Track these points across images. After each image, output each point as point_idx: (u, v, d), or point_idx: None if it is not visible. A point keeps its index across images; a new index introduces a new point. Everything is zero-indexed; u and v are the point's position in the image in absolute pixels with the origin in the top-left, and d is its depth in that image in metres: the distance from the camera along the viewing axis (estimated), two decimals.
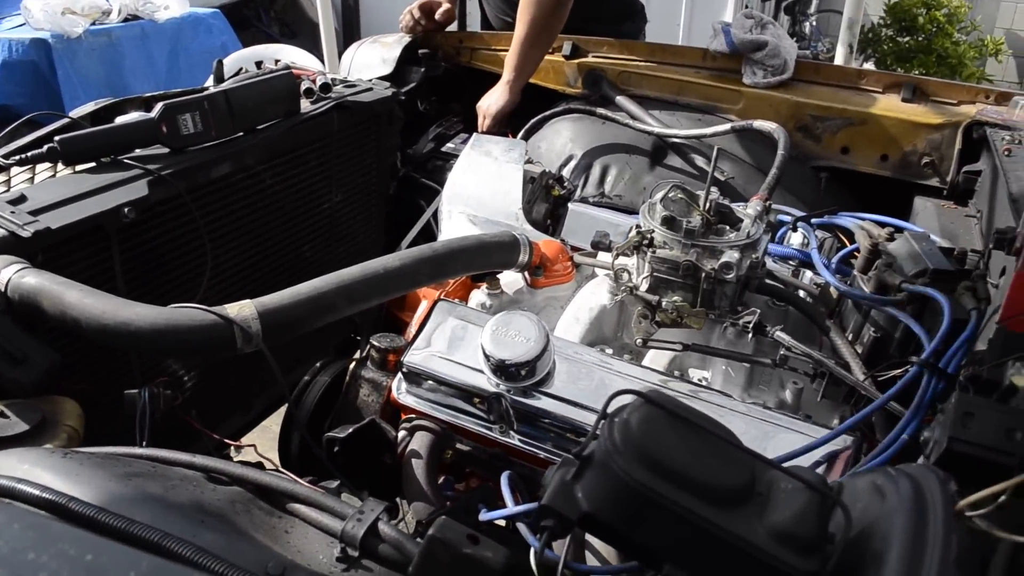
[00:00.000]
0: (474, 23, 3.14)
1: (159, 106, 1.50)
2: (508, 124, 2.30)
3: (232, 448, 1.47)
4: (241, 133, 1.64)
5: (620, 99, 2.24)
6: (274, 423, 1.99)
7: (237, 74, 1.93)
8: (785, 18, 8.33)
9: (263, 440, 1.48)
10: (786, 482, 0.77)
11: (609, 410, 0.78)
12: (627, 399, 0.78)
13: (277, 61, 2.24)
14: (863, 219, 1.51)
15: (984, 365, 1.17)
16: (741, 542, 0.72)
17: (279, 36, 5.95)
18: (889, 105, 2.16)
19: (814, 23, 8.90)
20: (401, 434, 1.31)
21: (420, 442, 1.28)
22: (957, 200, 1.97)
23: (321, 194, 1.89)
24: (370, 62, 2.41)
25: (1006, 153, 1.69)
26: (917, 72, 7.09)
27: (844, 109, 2.15)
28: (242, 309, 1.15)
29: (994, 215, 1.63)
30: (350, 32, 6.25)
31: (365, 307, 1.26)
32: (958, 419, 0.92)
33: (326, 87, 1.87)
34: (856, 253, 1.44)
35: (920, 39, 7.65)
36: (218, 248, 1.61)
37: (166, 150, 1.53)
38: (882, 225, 1.45)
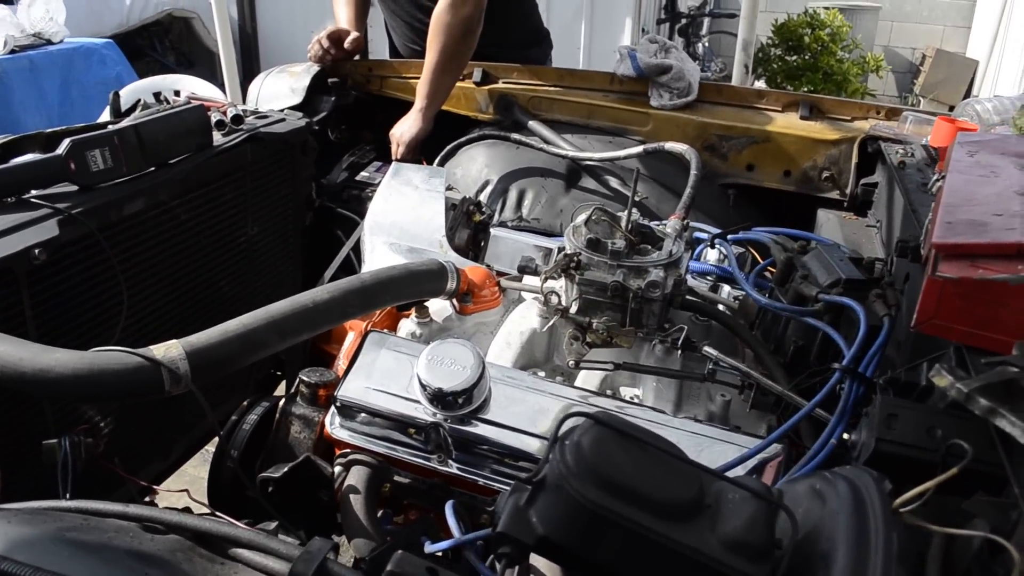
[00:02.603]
0: (378, 51, 3.14)
1: (66, 142, 1.45)
2: (422, 151, 2.31)
3: (155, 495, 1.42)
4: (153, 168, 1.60)
5: (532, 124, 2.28)
6: (191, 467, 1.94)
7: (135, 106, 1.87)
8: (679, 39, 8.61)
9: (180, 484, 1.43)
10: (733, 492, 0.79)
11: (559, 433, 0.79)
12: (577, 421, 0.80)
13: (177, 92, 2.18)
14: (777, 233, 1.57)
15: (896, 368, 1.24)
16: (697, 554, 0.74)
17: (175, 66, 5.82)
18: (789, 123, 2.26)
19: (706, 44, 9.24)
20: (337, 469, 1.29)
21: (357, 476, 1.26)
22: (857, 211, 2.07)
23: (237, 227, 1.85)
24: (279, 92, 2.38)
25: (900, 165, 1.79)
26: (806, 88, 7.43)
27: (748, 128, 2.24)
28: (169, 350, 1.11)
29: (893, 224, 1.72)
30: (248, 61, 6.15)
31: (296, 341, 1.24)
32: (883, 421, 0.97)
33: (238, 119, 1.84)
34: (771, 267, 1.50)
35: (807, 57, 8.03)
36: (134, 287, 1.55)
37: (74, 188, 1.48)
38: (794, 238, 1.51)
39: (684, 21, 8.57)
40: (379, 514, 1.30)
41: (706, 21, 9.35)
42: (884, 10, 9.19)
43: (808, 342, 1.33)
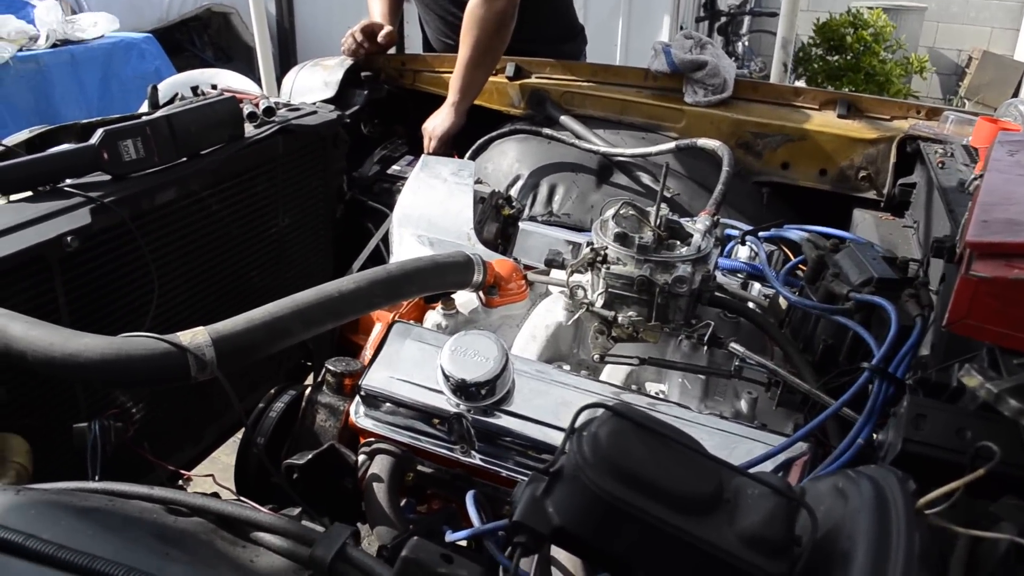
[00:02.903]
0: (413, 46, 3.15)
1: (99, 132, 1.47)
2: (454, 145, 2.31)
3: (185, 479, 1.44)
4: (185, 158, 1.61)
5: (564, 119, 2.27)
6: (223, 454, 1.96)
7: (172, 100, 1.90)
8: (718, 38, 8.53)
9: (214, 471, 1.45)
10: (752, 488, 0.78)
11: (576, 424, 0.79)
12: (594, 412, 0.79)
13: (214, 86, 2.21)
14: (808, 231, 1.55)
15: (928, 369, 1.21)
16: (713, 548, 0.73)
17: (214, 60, 5.89)
18: (826, 121, 2.23)
19: (746, 43, 9.14)
20: (361, 458, 1.30)
21: (381, 465, 1.27)
22: (894, 212, 2.04)
23: (268, 218, 1.87)
24: (312, 85, 2.40)
25: (940, 165, 1.75)
26: (847, 89, 7.32)
27: (783, 126, 2.21)
28: (195, 336, 1.12)
29: (931, 225, 1.69)
30: (286, 56, 6.22)
31: (321, 331, 1.24)
32: (911, 421, 0.95)
33: (270, 111, 1.86)
34: (803, 265, 1.47)
35: (849, 58, 7.91)
36: (165, 275, 1.57)
37: (107, 177, 1.50)
38: (827, 237, 1.49)
39: (724, 19, 8.49)
40: (402, 503, 1.31)
41: (746, 20, 9.23)
42: (930, 10, 9.02)
43: (838, 341, 1.31)
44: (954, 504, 0.79)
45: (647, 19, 6.31)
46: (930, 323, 1.24)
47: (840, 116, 2.23)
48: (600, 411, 0.79)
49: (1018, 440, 0.84)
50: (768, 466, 1.12)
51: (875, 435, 1.10)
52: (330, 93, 2.37)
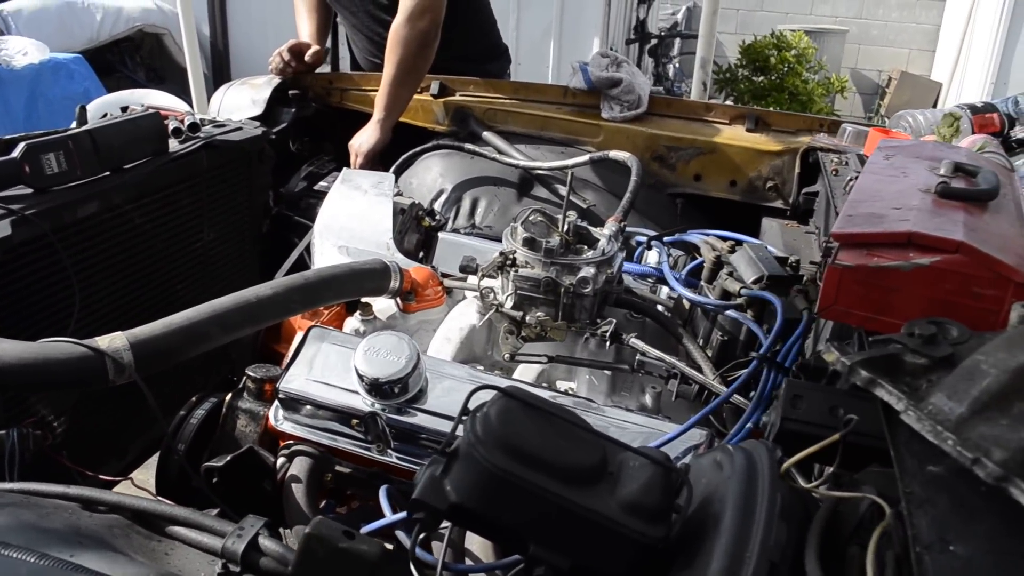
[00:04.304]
0: (347, 65, 3.19)
1: (21, 145, 1.49)
2: (380, 162, 2.36)
3: (102, 483, 1.45)
4: (108, 172, 1.64)
5: (487, 135, 2.34)
6: (144, 467, 1.96)
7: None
8: (649, 60, 8.74)
9: (133, 477, 1.46)
10: (634, 460, 0.84)
11: (470, 407, 0.84)
12: (485, 395, 0.85)
13: (145, 107, 2.23)
14: (708, 235, 1.63)
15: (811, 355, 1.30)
16: (596, 516, 0.79)
17: (146, 81, 5.84)
18: (735, 135, 2.34)
19: (677, 65, 9.37)
20: (280, 460, 1.33)
21: (299, 467, 1.30)
22: (799, 219, 2.15)
23: (193, 233, 1.89)
24: (240, 103, 2.43)
25: (834, 173, 1.86)
26: (772, 108, 7.56)
27: (695, 139, 2.32)
28: (113, 340, 1.15)
29: (828, 230, 1.79)
30: (220, 77, 6.18)
31: (239, 335, 1.28)
32: (788, 402, 1.02)
33: (194, 126, 1.89)
34: (703, 265, 1.56)
35: (773, 78, 8.18)
36: (88, 288, 1.59)
37: (29, 190, 1.52)
38: (724, 239, 1.58)
39: (654, 42, 8.71)
40: (322, 504, 1.34)
41: (676, 42, 9.48)
42: (851, 33, 9.38)
43: (734, 336, 1.39)
44: (832, 476, 0.87)
45: (577, 41, 6.45)
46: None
47: (748, 130, 2.35)
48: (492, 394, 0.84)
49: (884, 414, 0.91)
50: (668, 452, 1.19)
51: (764, 419, 1.18)
52: (257, 111, 2.40)
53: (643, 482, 0.81)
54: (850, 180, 1.50)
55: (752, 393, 1.22)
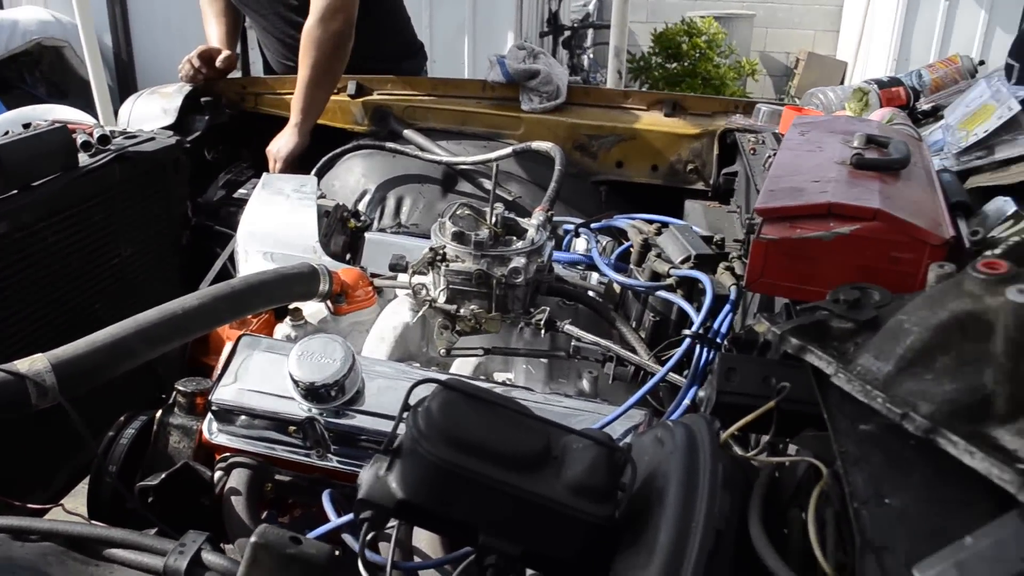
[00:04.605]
0: (259, 69, 3.13)
1: None
2: (300, 166, 2.32)
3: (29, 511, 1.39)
4: (15, 191, 1.57)
5: (408, 132, 2.33)
6: (77, 500, 1.89)
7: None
8: (563, 52, 8.80)
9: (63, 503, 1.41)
10: (578, 443, 0.85)
11: (410, 402, 0.83)
12: (425, 389, 0.84)
13: (51, 122, 2.15)
14: (634, 219, 1.65)
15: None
16: (543, 500, 0.79)
17: (47, 97, 5.62)
18: (654, 120, 2.38)
19: (591, 56, 9.45)
20: (217, 474, 1.30)
21: (238, 479, 1.27)
22: (721, 199, 2.19)
23: (109, 249, 1.83)
24: (150, 113, 2.36)
25: (752, 152, 1.90)
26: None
27: (615, 127, 2.35)
28: (33, 363, 1.11)
29: (749, 207, 1.83)
30: (126, 88, 5.99)
31: (166, 349, 1.24)
32: (723, 375, 1.04)
33: (104, 139, 1.83)
34: (632, 249, 1.58)
35: (686, 64, 8.33)
36: (1, 312, 1.53)
37: None
38: (650, 222, 1.60)
39: (567, 33, 8.76)
40: (263, 515, 1.32)
41: (590, 33, 9.55)
42: (758, 17, 9.60)
43: (666, 316, 1.41)
44: (761, 442, 0.89)
45: (491, 36, 6.46)
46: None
47: (667, 115, 2.39)
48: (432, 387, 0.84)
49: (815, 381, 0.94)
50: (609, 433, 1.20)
51: (700, 394, 1.20)
52: (169, 120, 2.34)
53: (588, 463, 0.82)
54: (768, 157, 1.54)
55: (687, 371, 1.24)
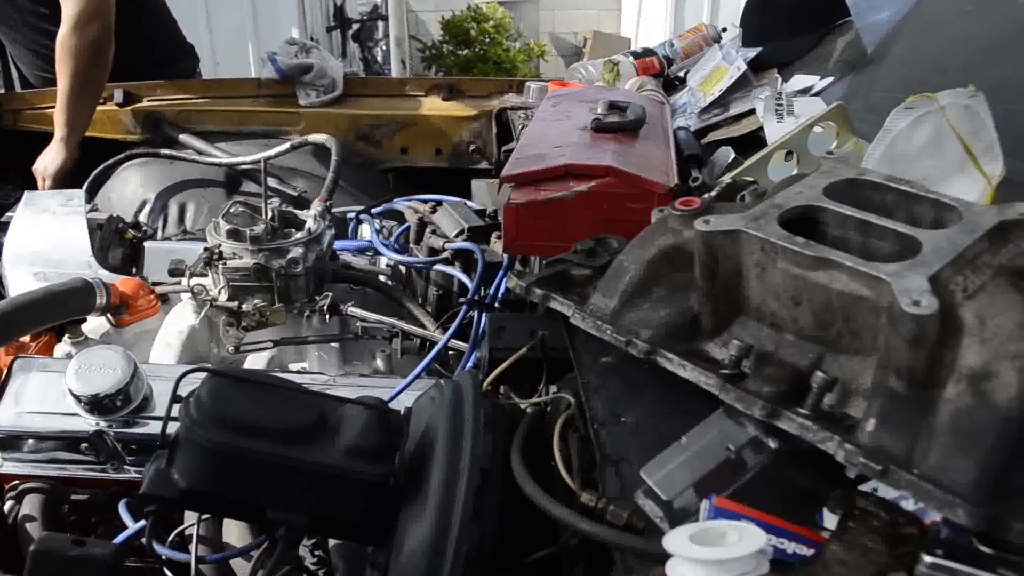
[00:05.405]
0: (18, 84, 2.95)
1: None
2: (71, 182, 2.22)
3: None
4: None
5: (184, 137, 2.28)
6: None
7: None
8: (355, 46, 8.74)
9: None
10: (352, 411, 0.90)
11: (179, 393, 0.86)
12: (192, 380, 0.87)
13: None
14: (411, 200, 1.72)
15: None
16: (320, 467, 0.84)
17: None
18: (433, 105, 2.46)
19: (384, 48, 9.43)
20: (8, 504, 1.25)
21: (30, 505, 1.23)
22: None
23: None
24: None
25: (522, 127, 2.02)
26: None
27: (395, 115, 2.40)
28: None
29: None
30: None
31: None
32: (494, 333, 1.13)
33: None
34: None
35: (477, 50, 8.48)
36: None
37: None
38: (425, 202, 1.67)
39: (356, 27, 8.70)
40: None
41: (380, 25, 9.53)
42: (544, 1, 9.89)
43: (447, 288, 1.49)
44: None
45: (275, 33, 6.31)
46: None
47: (445, 99, 2.47)
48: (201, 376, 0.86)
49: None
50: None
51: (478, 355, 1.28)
52: None
53: (360, 427, 0.87)
54: (521, 129, 1.64)
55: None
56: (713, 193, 1.08)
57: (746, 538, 0.61)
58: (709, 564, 0.60)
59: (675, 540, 0.62)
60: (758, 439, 0.78)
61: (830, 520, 0.72)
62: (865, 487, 0.74)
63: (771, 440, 0.77)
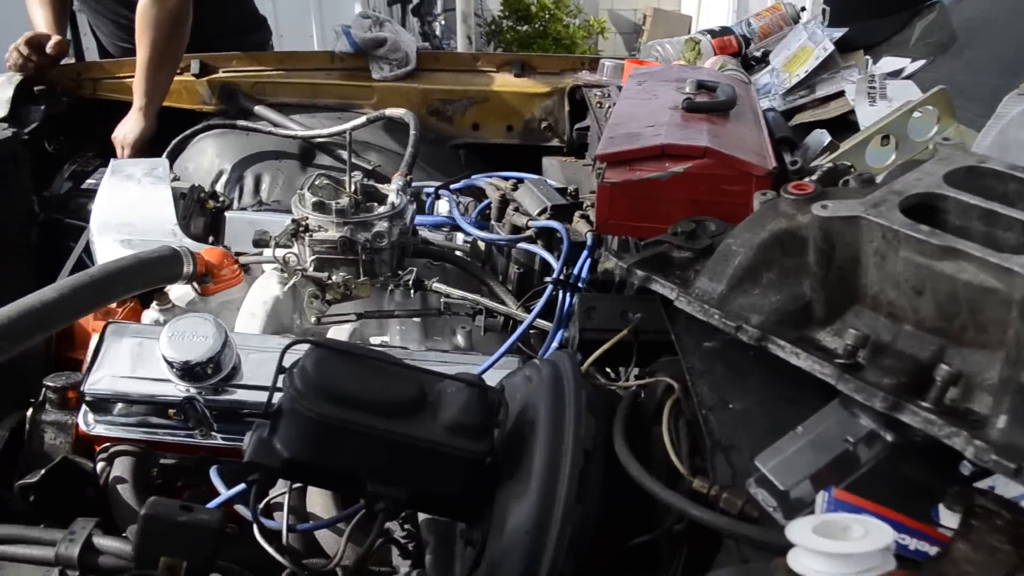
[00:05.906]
0: (94, 53, 2.99)
1: None
2: (149, 151, 2.25)
3: None
4: None
5: (259, 109, 2.30)
6: None
7: None
8: (414, 20, 8.74)
9: None
10: (451, 387, 0.90)
11: (284, 364, 0.86)
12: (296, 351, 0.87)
13: None
14: (491, 177, 1.71)
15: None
16: (422, 442, 0.84)
17: None
18: (504, 82, 2.44)
19: (443, 22, 9.42)
20: (100, 464, 1.28)
21: (122, 467, 1.26)
22: (575, 154, 2.28)
23: None
24: None
25: (599, 106, 1.99)
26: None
27: (467, 90, 2.40)
28: None
29: None
30: None
31: (26, 345, 1.21)
32: (583, 314, 1.12)
33: None
34: (491, 206, 1.64)
35: (536, 26, 8.45)
36: None
37: None
38: (506, 179, 1.66)
39: (416, 1, 8.70)
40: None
41: (439, 0, 9.52)
42: None
43: (529, 266, 1.48)
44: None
45: (338, 8, 6.36)
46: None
47: (516, 75, 2.45)
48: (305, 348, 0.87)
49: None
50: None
51: (566, 335, 1.27)
52: (2, 112, 2.22)
53: (461, 404, 0.87)
54: (609, 108, 1.62)
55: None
56: (814, 177, 1.05)
57: (873, 533, 0.60)
58: (836, 557, 0.58)
59: (798, 531, 0.60)
60: (875, 432, 0.76)
61: (947, 517, 0.71)
62: (982, 484, 0.72)
63: (888, 433, 0.75)
